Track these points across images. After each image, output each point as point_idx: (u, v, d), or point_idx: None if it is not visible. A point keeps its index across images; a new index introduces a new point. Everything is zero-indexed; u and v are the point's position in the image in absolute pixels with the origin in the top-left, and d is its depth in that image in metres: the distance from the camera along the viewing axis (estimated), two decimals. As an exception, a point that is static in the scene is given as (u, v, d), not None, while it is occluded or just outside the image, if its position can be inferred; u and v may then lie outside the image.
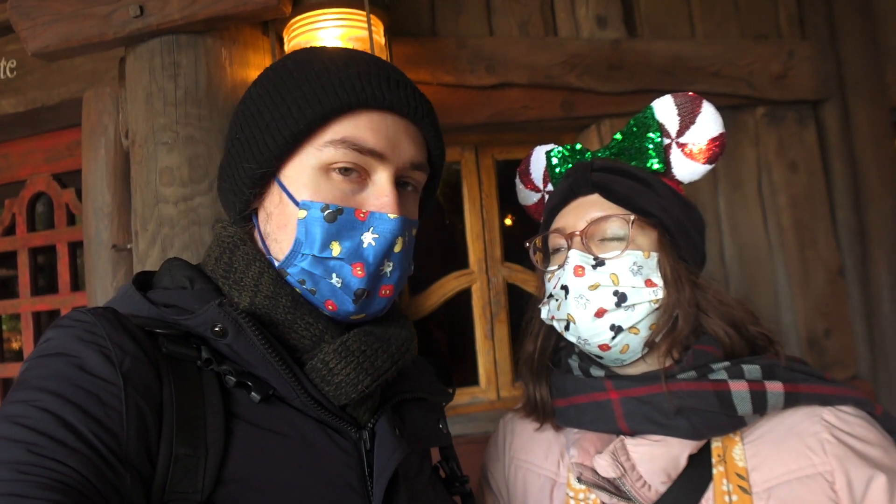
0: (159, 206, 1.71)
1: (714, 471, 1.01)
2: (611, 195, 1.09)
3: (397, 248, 0.86)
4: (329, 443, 0.82)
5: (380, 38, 1.89)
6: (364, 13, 1.84)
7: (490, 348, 2.50)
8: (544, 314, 1.15)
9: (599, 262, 1.05)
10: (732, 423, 1.00)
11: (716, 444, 1.03)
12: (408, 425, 0.94)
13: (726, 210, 2.59)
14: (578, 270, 1.05)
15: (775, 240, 2.59)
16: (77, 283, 2.59)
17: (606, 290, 1.04)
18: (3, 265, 2.74)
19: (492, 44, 2.35)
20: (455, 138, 2.47)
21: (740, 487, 0.98)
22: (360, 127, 0.83)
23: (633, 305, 1.04)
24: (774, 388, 1.00)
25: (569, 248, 1.08)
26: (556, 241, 1.14)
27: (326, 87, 0.83)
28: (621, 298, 1.03)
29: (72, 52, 1.75)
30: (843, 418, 1.00)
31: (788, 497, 0.95)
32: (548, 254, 1.18)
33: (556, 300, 1.10)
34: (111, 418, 0.67)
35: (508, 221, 2.65)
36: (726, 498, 0.97)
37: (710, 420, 1.00)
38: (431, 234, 2.93)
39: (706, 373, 1.02)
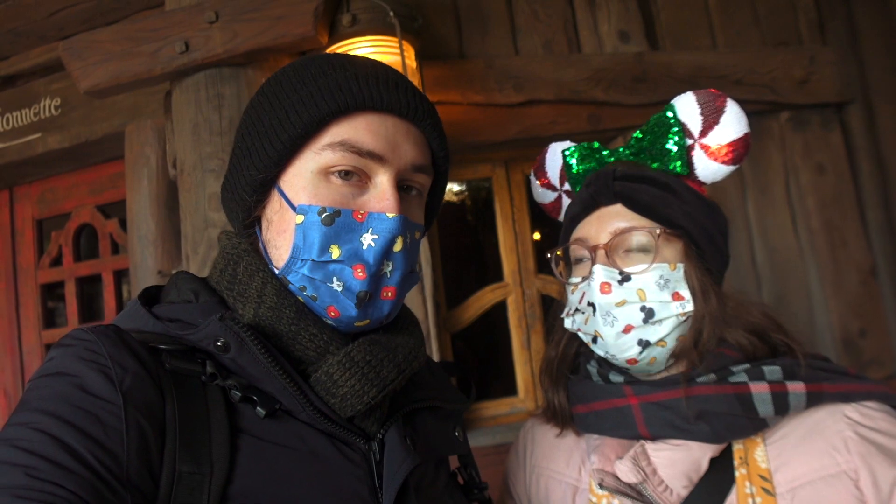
0: (208, 230, 1.79)
1: (736, 473, 0.99)
2: (634, 205, 1.05)
3: (397, 248, 0.82)
4: (338, 455, 0.80)
5: (411, 62, 1.97)
6: (396, 39, 1.92)
7: (527, 358, 2.54)
8: (569, 325, 1.13)
9: (625, 278, 1.02)
10: (754, 425, 0.99)
11: (737, 447, 1.01)
12: (420, 434, 0.91)
13: (755, 214, 2.61)
14: (605, 287, 1.02)
15: (805, 242, 2.60)
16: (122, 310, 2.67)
17: (633, 306, 1.01)
18: (51, 296, 2.82)
19: (518, 63, 2.41)
20: (485, 155, 2.54)
21: (764, 489, 0.96)
22: (357, 129, 0.81)
23: (661, 320, 1.02)
24: (796, 388, 0.98)
25: (593, 261, 1.05)
26: (578, 251, 1.10)
27: (323, 90, 0.81)
28: (649, 314, 1.01)
29: (122, 89, 1.84)
30: (866, 414, 0.97)
31: (813, 497, 0.93)
32: (570, 263, 1.14)
33: (583, 314, 1.08)
34: (111, 438, 0.65)
35: (537, 236, 2.69)
36: (750, 500, 0.95)
37: (731, 423, 0.98)
38: (467, 249, 2.97)
39: (726, 376, 1.01)
